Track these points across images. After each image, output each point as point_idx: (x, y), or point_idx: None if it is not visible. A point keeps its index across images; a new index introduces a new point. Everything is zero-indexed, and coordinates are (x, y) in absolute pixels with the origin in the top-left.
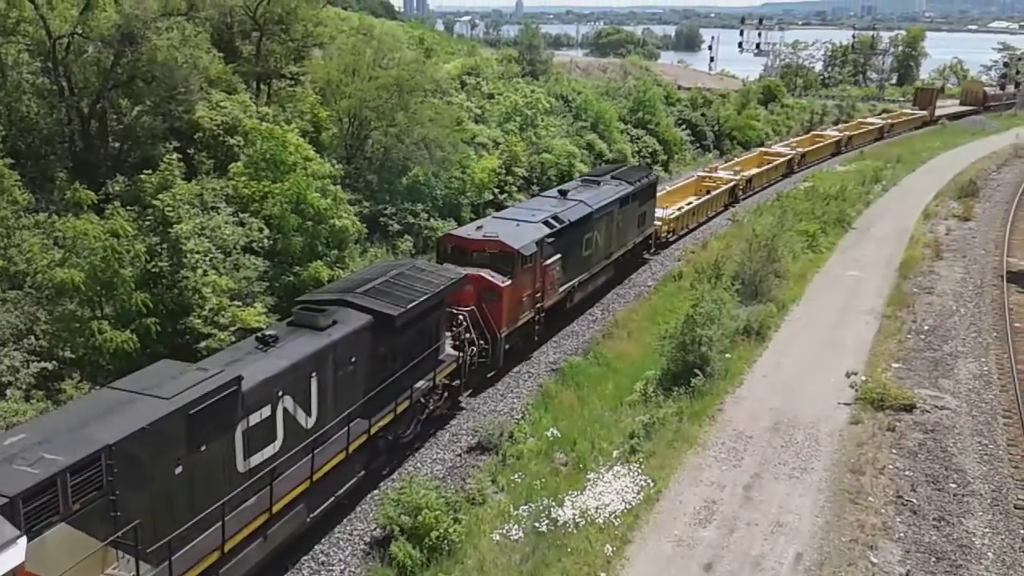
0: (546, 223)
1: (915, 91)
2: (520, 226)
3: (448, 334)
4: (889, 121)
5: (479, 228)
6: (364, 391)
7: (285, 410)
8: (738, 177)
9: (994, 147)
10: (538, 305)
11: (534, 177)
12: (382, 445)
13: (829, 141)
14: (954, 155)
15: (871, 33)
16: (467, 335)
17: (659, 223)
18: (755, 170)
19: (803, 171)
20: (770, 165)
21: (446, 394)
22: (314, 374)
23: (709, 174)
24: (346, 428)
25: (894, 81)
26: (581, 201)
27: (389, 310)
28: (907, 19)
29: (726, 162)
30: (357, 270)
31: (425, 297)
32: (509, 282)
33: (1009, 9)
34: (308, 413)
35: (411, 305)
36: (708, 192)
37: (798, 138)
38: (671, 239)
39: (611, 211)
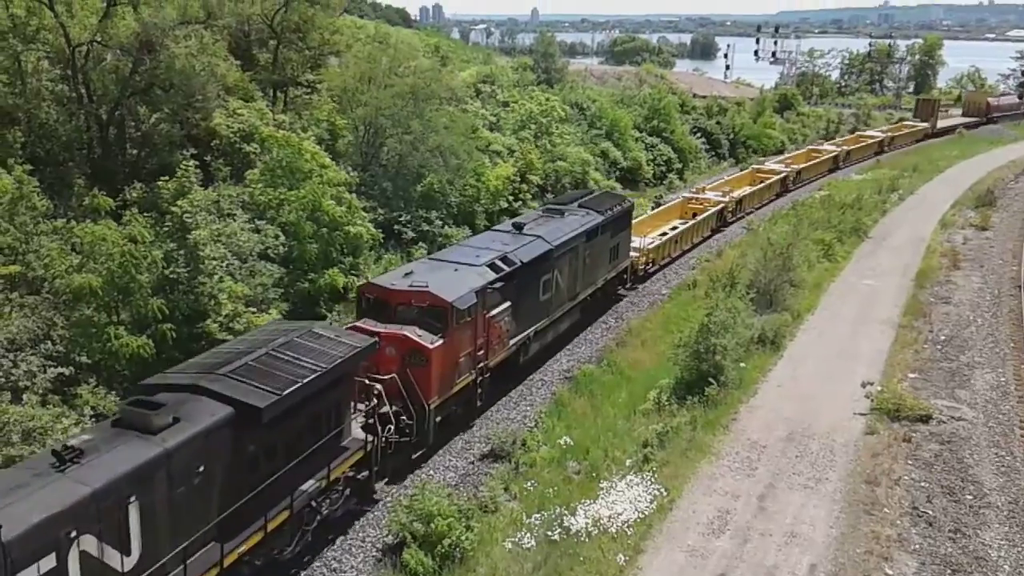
0: (492, 266)
1: (916, 102)
2: (459, 271)
3: (360, 408)
4: (890, 134)
5: (407, 275)
6: (219, 508)
7: (84, 553)
8: (727, 199)
9: (1012, 156)
10: (481, 365)
11: (548, 185)
12: (247, 573)
13: (826, 157)
14: (971, 164)
15: (888, 41)
16: (385, 409)
17: (635, 254)
18: (747, 189)
19: (799, 189)
20: (763, 184)
21: (347, 491)
22: (133, 498)
23: (695, 195)
24: (181, 566)
25: (911, 90)
26: (539, 237)
27: (255, 400)
28: (924, 27)
29: (731, 174)
30: (243, 336)
31: (315, 376)
32: (441, 342)
33: None
34: (125, 552)
35: (291, 389)
36: (694, 216)
37: (793, 153)
38: (650, 270)
39: (576, 246)
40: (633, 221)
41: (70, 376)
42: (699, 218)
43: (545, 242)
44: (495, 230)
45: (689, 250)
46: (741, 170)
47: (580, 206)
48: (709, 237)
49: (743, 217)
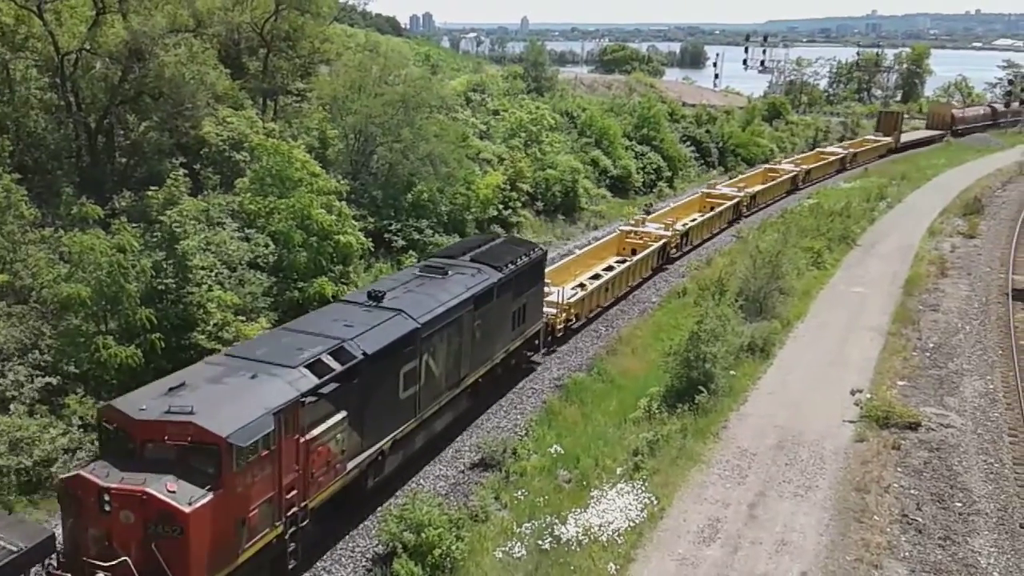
0: (315, 366)
1: (877, 115)
2: (256, 380)
3: None
4: (851, 150)
5: (170, 391)
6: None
7: None
8: (669, 233)
9: (999, 164)
10: (294, 510)
11: (539, 193)
12: None
13: (783, 178)
14: (959, 172)
15: (876, 50)
16: None
17: (553, 310)
18: (696, 218)
19: (755, 214)
20: (712, 212)
21: None
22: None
23: (634, 228)
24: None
25: (899, 98)
26: (400, 312)
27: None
28: (912, 37)
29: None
30: None
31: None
32: (209, 498)
33: (1014, 27)
34: None
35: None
36: (634, 252)
37: (747, 174)
38: (574, 326)
39: (459, 318)
40: (564, 261)
41: (58, 386)
42: (637, 257)
43: (409, 319)
44: (346, 301)
45: (627, 294)
46: (733, 177)
47: (473, 259)
48: (650, 277)
49: (691, 251)
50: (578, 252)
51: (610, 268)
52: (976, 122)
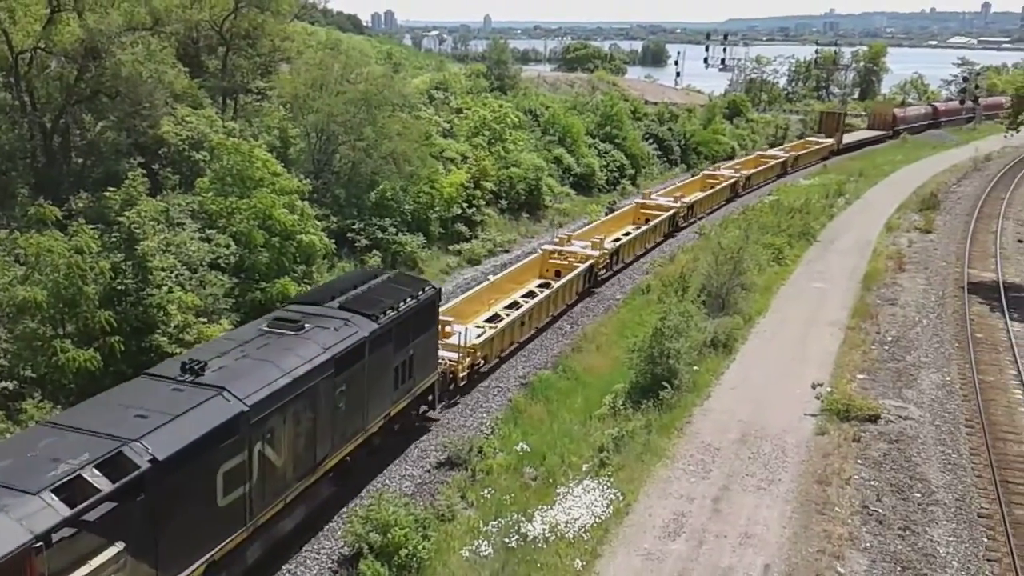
0: (66, 489)
1: (819, 115)
2: None
3: None
4: (793, 153)
5: None
6: None
7: None
8: (597, 253)
9: (954, 160)
10: None
11: (503, 191)
12: None
13: (723, 185)
14: (915, 168)
15: (833, 49)
16: None
17: (454, 355)
18: (629, 230)
19: (690, 226)
20: (647, 225)
21: None
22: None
23: (559, 247)
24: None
25: (856, 96)
26: (222, 391)
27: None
28: (869, 35)
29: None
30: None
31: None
32: None
33: (968, 25)
34: None
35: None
36: (558, 275)
37: (685, 182)
38: (483, 369)
39: (313, 387)
40: (478, 288)
41: (14, 390)
42: (561, 281)
43: (232, 400)
44: (152, 375)
45: (548, 324)
46: (674, 190)
47: (343, 307)
48: (576, 303)
49: (623, 269)
50: (493, 278)
51: (531, 294)
52: (918, 121)
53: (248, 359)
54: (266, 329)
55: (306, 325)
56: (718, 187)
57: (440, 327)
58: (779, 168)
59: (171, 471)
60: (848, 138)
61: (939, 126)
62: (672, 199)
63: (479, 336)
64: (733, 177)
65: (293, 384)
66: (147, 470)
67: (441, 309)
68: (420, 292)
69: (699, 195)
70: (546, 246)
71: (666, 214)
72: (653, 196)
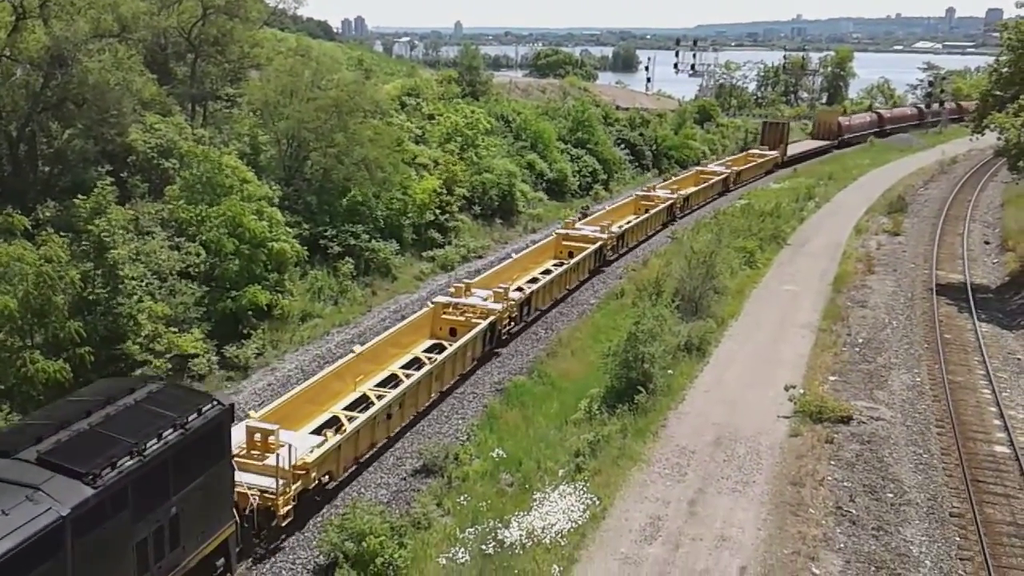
0: None
1: (761, 126)
2: None
3: None
4: (735, 169)
5: None
6: None
7: None
8: (500, 305)
9: (921, 164)
10: None
11: (476, 197)
12: None
13: (659, 207)
14: (883, 172)
15: (801, 54)
16: None
17: (269, 484)
18: (551, 267)
19: (623, 257)
20: (572, 260)
21: None
22: None
23: (455, 300)
24: None
25: (824, 101)
26: None
27: None
28: (835, 40)
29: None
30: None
31: None
32: None
33: (933, 30)
34: None
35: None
36: (453, 332)
37: (618, 203)
38: (330, 486)
39: None
40: (360, 351)
41: None
42: (461, 340)
43: None
44: None
45: (435, 404)
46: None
47: (42, 459)
48: (476, 368)
49: (537, 320)
50: (385, 334)
51: (431, 351)
52: (863, 130)
53: None
54: None
55: None
56: (653, 211)
57: (262, 438)
58: (720, 186)
59: None
60: (791, 149)
61: (885, 134)
62: (599, 229)
63: (316, 448)
64: (669, 199)
65: None
66: None
67: (288, 396)
68: (192, 417)
69: (633, 219)
70: (439, 298)
71: (592, 246)
72: (578, 226)
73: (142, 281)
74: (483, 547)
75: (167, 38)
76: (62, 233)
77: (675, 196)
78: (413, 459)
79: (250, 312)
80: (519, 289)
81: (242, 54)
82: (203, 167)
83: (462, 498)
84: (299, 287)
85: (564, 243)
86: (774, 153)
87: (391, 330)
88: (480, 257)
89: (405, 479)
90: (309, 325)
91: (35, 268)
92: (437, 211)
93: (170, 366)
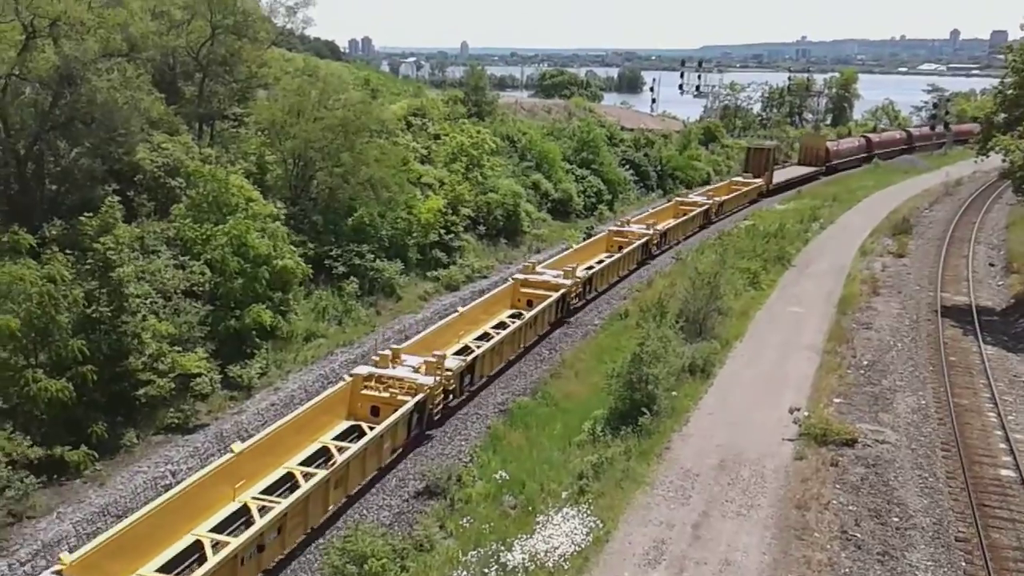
0: None
1: (746, 153)
2: None
3: None
4: (717, 199)
5: None
6: None
7: None
8: (432, 380)
9: (926, 185)
10: None
11: (481, 216)
12: None
13: (634, 244)
14: (887, 194)
15: (806, 75)
16: None
17: None
18: (507, 319)
19: (594, 303)
20: (533, 310)
21: None
22: None
23: (377, 372)
24: None
25: (829, 121)
26: None
27: None
28: (840, 62)
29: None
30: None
31: None
32: None
33: (937, 52)
34: None
35: None
36: (375, 412)
37: (587, 242)
38: None
39: None
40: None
41: None
42: (380, 427)
43: None
44: None
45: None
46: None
47: None
48: (395, 460)
49: (477, 393)
50: (237, 448)
51: (325, 451)
52: (852, 155)
53: None
54: None
55: None
56: (627, 248)
57: None
58: (702, 218)
59: None
60: (777, 176)
61: (872, 159)
62: (560, 274)
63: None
64: (644, 235)
65: None
66: None
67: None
68: None
69: (604, 258)
70: (361, 368)
71: (553, 296)
72: (538, 268)
73: (146, 300)
74: (486, 570)
75: (176, 58)
76: (67, 251)
77: (651, 232)
78: (416, 481)
79: (254, 332)
80: (465, 349)
81: (250, 74)
82: (210, 186)
83: (465, 520)
84: (303, 307)
85: (523, 290)
86: (759, 181)
87: (297, 411)
88: (484, 277)
89: (407, 501)
90: (313, 345)
91: (38, 288)
92: (442, 231)
93: (173, 385)
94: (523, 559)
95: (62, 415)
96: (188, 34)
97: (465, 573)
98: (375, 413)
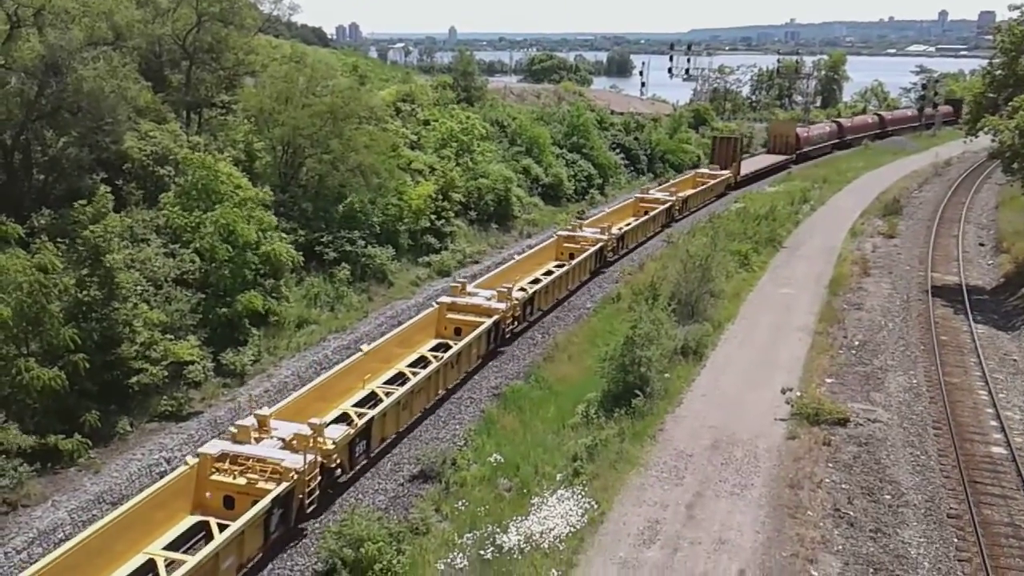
0: None
1: (712, 141)
2: None
3: None
4: (680, 195)
5: None
6: None
7: None
8: (335, 440)
9: (915, 166)
10: None
11: (472, 202)
12: None
13: (588, 252)
14: (877, 175)
15: (795, 58)
16: None
17: None
18: (439, 349)
19: (544, 319)
20: (474, 332)
21: None
22: None
23: (239, 448)
24: None
25: (818, 104)
26: None
27: None
28: (829, 44)
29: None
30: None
31: None
32: None
33: (926, 33)
34: None
35: None
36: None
37: (536, 247)
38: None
39: None
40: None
41: None
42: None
43: None
44: None
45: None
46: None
47: None
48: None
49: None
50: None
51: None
52: (822, 141)
53: None
54: None
55: None
56: (580, 257)
57: None
58: (664, 216)
59: None
60: (745, 167)
61: (847, 145)
62: (493, 295)
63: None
64: (599, 240)
65: None
66: None
67: None
68: None
69: (554, 268)
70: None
71: (488, 321)
72: (470, 289)
73: (137, 288)
74: (481, 552)
75: (162, 46)
76: (57, 241)
77: (606, 236)
78: (411, 464)
79: (246, 319)
80: (372, 397)
81: (237, 61)
82: (199, 174)
83: (460, 503)
84: (295, 293)
85: (449, 316)
86: (726, 173)
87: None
88: (476, 262)
89: (403, 485)
90: (305, 331)
91: (27, 277)
92: (433, 216)
93: (166, 373)
94: (519, 541)
95: (55, 404)
96: (174, 22)
97: (461, 555)
98: (229, 506)
